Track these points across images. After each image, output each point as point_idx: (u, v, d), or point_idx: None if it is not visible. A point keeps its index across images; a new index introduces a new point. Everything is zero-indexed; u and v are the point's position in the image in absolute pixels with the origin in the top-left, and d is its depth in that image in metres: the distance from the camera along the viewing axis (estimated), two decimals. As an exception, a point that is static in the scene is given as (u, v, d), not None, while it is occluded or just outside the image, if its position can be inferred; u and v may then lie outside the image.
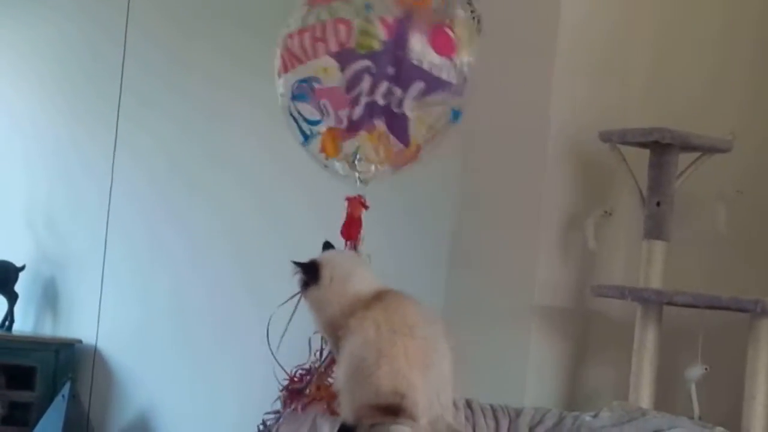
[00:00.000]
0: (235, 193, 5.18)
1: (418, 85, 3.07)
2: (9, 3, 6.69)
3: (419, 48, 3.07)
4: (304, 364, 3.27)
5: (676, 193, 3.48)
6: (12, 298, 6.14)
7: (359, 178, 3.20)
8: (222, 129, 5.25)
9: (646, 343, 3.39)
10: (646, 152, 3.50)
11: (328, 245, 2.75)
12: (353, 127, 3.13)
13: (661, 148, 3.44)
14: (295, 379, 3.21)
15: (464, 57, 3.13)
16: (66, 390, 5.59)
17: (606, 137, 3.53)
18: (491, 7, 3.65)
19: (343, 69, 3.07)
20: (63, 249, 6.20)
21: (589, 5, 3.73)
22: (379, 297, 2.48)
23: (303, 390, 3.18)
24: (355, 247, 3.22)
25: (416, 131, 3.12)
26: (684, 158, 3.51)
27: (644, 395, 3.37)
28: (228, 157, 5.22)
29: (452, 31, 3.12)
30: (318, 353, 3.22)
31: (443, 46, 3.11)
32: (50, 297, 6.23)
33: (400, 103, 3.08)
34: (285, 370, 3.23)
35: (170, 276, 5.50)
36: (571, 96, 3.69)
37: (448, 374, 2.46)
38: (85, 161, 6.10)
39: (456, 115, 3.19)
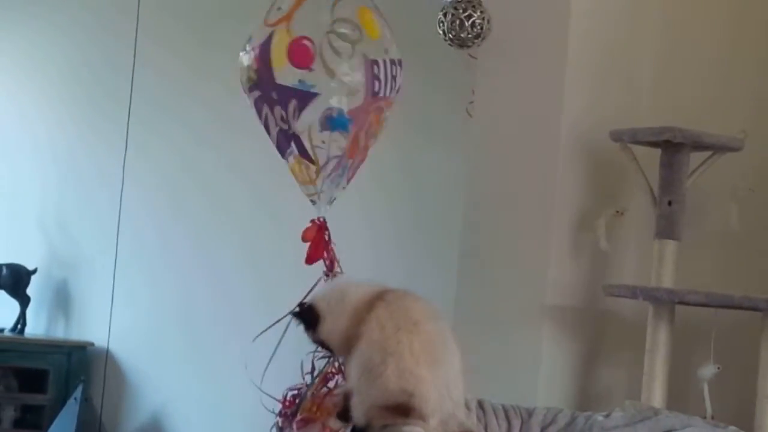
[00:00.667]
0: (246, 197, 5.19)
1: (292, 103, 3.11)
2: (20, 10, 6.71)
3: (282, 67, 3.12)
4: (296, 385, 3.27)
5: (687, 192, 3.47)
6: (24, 301, 6.15)
7: (312, 200, 3.27)
8: (233, 133, 5.25)
9: (659, 342, 3.38)
10: (658, 151, 3.49)
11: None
12: (283, 154, 3.23)
13: (672, 147, 3.44)
14: (287, 402, 3.20)
15: (343, 63, 3.16)
16: (78, 393, 5.60)
17: (617, 137, 3.52)
18: (502, 8, 3.65)
19: (253, 105, 3.18)
20: (74, 252, 6.22)
21: (600, 4, 3.72)
22: (380, 296, 2.48)
23: (296, 412, 3.17)
24: (331, 269, 3.23)
25: (311, 147, 3.17)
26: (695, 157, 3.50)
27: (656, 395, 3.37)
28: (238, 161, 5.23)
29: (311, 42, 3.15)
30: (309, 374, 3.22)
31: (301, 59, 3.15)
32: (62, 300, 6.25)
33: (290, 124, 3.13)
34: (274, 397, 3.23)
35: (181, 279, 5.50)
36: (582, 95, 3.68)
37: (458, 370, 2.45)
38: (97, 165, 6.11)
39: (339, 122, 3.22)
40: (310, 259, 3.27)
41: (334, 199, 3.30)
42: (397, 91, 3.29)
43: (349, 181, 3.31)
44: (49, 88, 6.53)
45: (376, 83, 3.19)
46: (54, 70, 6.50)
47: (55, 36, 6.52)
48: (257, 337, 3.28)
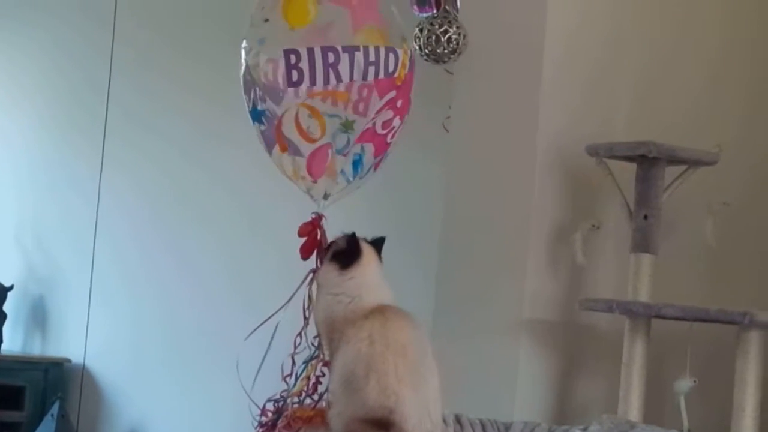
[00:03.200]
0: (226, 208, 5.19)
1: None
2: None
3: None
4: (274, 395, 3.26)
5: (663, 206, 3.49)
6: (0, 317, 6.12)
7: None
8: (210, 144, 5.25)
9: (635, 356, 3.39)
10: (633, 166, 3.51)
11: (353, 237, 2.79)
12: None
13: (648, 161, 3.45)
14: (268, 413, 3.19)
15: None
16: (55, 409, 5.58)
17: (593, 151, 3.53)
18: (479, 21, 3.67)
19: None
20: (51, 268, 6.19)
21: (577, 20, 3.74)
22: (380, 310, 2.49)
23: (276, 422, 3.16)
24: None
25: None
26: (671, 171, 3.52)
27: (633, 408, 3.37)
28: (217, 171, 5.22)
29: None
30: (288, 376, 3.21)
31: None
32: (39, 316, 6.22)
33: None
34: (257, 405, 3.22)
35: (160, 294, 5.49)
36: (559, 110, 3.70)
37: (437, 390, 2.46)
38: (73, 180, 6.09)
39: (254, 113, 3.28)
40: (304, 253, 3.28)
41: (328, 195, 3.29)
42: (346, 79, 3.24)
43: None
44: (26, 103, 6.50)
45: (294, 73, 3.19)
46: (30, 84, 6.48)
47: (31, 50, 6.50)
48: (248, 336, 3.27)
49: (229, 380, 4.92)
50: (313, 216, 3.29)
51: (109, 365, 5.77)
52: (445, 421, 2.74)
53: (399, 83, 3.20)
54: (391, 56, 3.19)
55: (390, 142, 3.25)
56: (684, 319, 3.28)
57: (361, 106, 3.17)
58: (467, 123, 3.82)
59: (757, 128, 3.69)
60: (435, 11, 3.70)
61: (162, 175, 5.55)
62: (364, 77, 3.17)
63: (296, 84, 3.15)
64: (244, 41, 3.22)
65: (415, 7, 3.73)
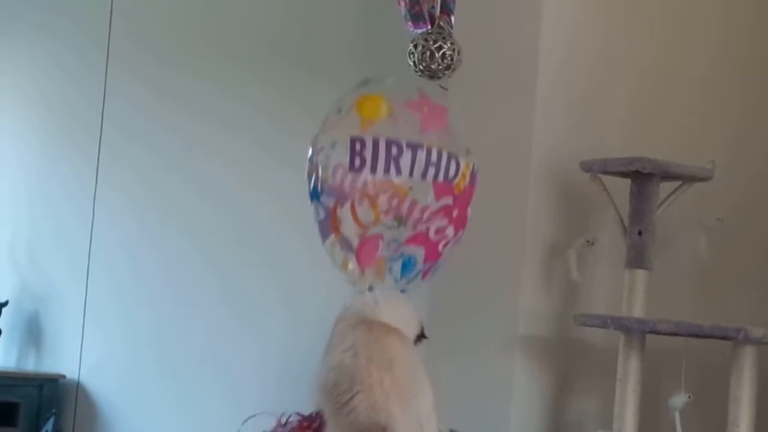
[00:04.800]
0: (219, 225, 5.18)
1: None
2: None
3: None
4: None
5: (657, 222, 3.50)
6: (-5, 333, 6.12)
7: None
8: (204, 161, 5.25)
9: (630, 371, 3.39)
10: (628, 181, 3.51)
11: None
12: None
13: (642, 177, 3.46)
14: None
15: None
16: (50, 426, 5.56)
17: (587, 167, 3.54)
18: (473, 38, 3.68)
19: None
20: (46, 284, 6.19)
21: (571, 36, 3.75)
22: (369, 322, 2.49)
23: None
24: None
25: None
26: (665, 187, 3.52)
27: (628, 424, 3.38)
28: (210, 189, 5.22)
29: None
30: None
31: None
32: (33, 332, 6.21)
33: None
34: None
35: (154, 310, 5.48)
36: (553, 126, 3.71)
37: (431, 405, 2.46)
38: (68, 196, 6.09)
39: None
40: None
41: (372, 288, 3.33)
42: (405, 174, 3.29)
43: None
44: (21, 119, 6.51)
45: (357, 160, 3.25)
46: (26, 101, 6.48)
47: (26, 66, 6.50)
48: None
49: (223, 396, 4.93)
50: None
51: (104, 381, 5.76)
52: (440, 437, 2.74)
53: (457, 192, 3.25)
54: (453, 163, 3.25)
55: (441, 252, 3.28)
56: (678, 334, 3.28)
57: (416, 207, 3.22)
58: (462, 138, 3.82)
59: (750, 144, 3.70)
60: (429, 27, 3.70)
61: (156, 192, 5.55)
62: (424, 176, 3.23)
63: (357, 170, 3.21)
64: (316, 138, 3.28)
65: (410, 23, 3.74)
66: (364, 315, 2.61)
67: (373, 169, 3.23)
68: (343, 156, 3.21)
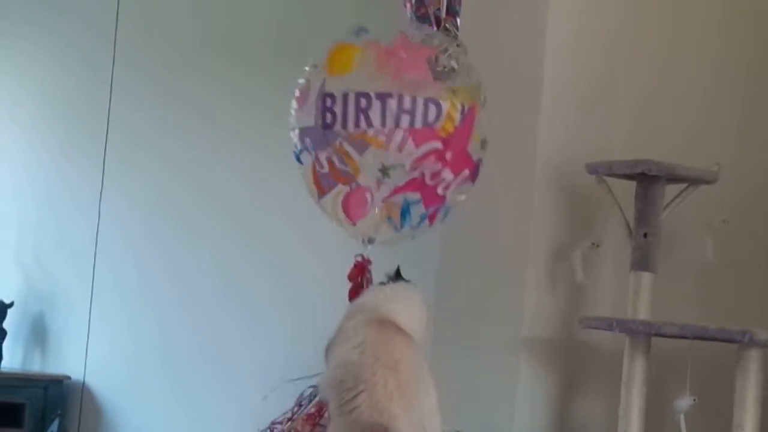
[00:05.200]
0: (224, 227, 5.19)
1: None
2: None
3: None
4: (278, 418, 3.28)
5: (663, 224, 3.49)
6: (0, 335, 6.12)
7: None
8: (210, 165, 5.26)
9: (635, 374, 3.39)
10: (633, 184, 3.51)
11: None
12: None
13: (647, 179, 3.46)
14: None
15: None
16: (55, 427, 5.57)
17: (592, 169, 3.54)
18: (477, 40, 3.68)
19: None
20: (51, 285, 6.19)
21: (576, 38, 3.75)
22: (382, 321, 2.50)
23: None
24: None
25: None
26: (670, 190, 3.52)
27: (633, 427, 3.37)
28: (215, 191, 5.23)
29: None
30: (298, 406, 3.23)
31: None
32: (39, 333, 6.22)
33: None
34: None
35: (159, 311, 5.49)
36: (558, 129, 3.71)
37: (435, 406, 2.46)
38: (74, 198, 6.10)
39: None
40: (351, 297, 3.32)
41: (372, 239, 3.33)
42: (372, 124, 3.28)
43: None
44: (27, 122, 6.51)
45: (328, 115, 3.24)
46: (32, 104, 6.49)
47: (31, 69, 6.51)
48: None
49: (229, 397, 4.93)
50: (358, 260, 3.32)
51: (109, 382, 5.76)
52: (444, 438, 2.74)
53: (445, 135, 3.22)
54: (432, 107, 3.21)
55: (444, 195, 3.27)
56: (684, 337, 3.28)
57: (396, 154, 3.21)
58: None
59: (756, 146, 3.70)
60: (435, 29, 3.70)
61: (161, 195, 5.55)
62: (397, 124, 3.20)
63: (329, 126, 3.21)
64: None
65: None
66: (378, 311, 2.60)
67: (344, 124, 3.23)
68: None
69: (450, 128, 3.23)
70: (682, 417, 3.33)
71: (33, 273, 6.29)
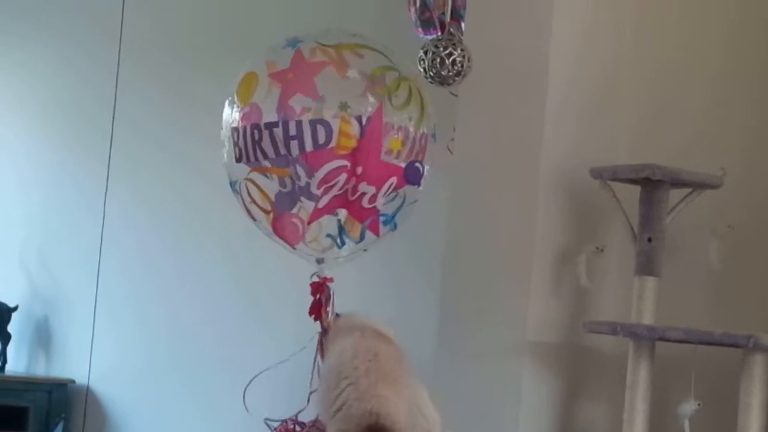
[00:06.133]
0: (234, 224, 5.17)
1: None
2: (1, 38, 6.70)
3: None
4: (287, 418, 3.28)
5: (667, 229, 3.49)
6: (5, 338, 6.13)
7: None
8: (216, 160, 5.24)
9: (639, 379, 3.39)
10: (637, 188, 3.51)
11: None
12: None
13: (651, 184, 3.46)
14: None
15: None
16: (59, 431, 5.57)
17: (597, 174, 3.54)
18: (483, 44, 3.68)
19: None
20: (56, 289, 6.19)
21: (581, 43, 3.75)
22: (363, 329, 2.50)
23: None
24: (325, 332, 3.26)
25: None
26: (675, 194, 3.52)
27: (637, 431, 3.37)
28: (223, 188, 5.21)
29: None
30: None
31: None
32: (43, 337, 6.22)
33: None
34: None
35: (167, 312, 5.48)
36: (562, 133, 3.70)
37: (427, 399, 2.46)
38: (79, 197, 6.10)
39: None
40: (311, 313, 3.32)
41: (321, 259, 3.33)
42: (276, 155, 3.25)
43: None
44: (32, 120, 6.51)
45: (237, 149, 3.26)
46: (37, 101, 6.49)
47: (37, 65, 6.51)
48: (255, 377, 3.29)
49: (239, 401, 4.93)
50: (314, 279, 3.32)
51: (114, 386, 5.76)
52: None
53: (344, 152, 3.17)
54: (320, 128, 3.16)
55: (373, 207, 3.24)
56: (688, 342, 3.28)
57: (303, 180, 3.20)
58: (471, 145, 3.82)
59: (761, 151, 3.70)
60: (440, 34, 3.70)
61: (168, 191, 5.54)
62: (289, 151, 3.16)
63: (239, 160, 3.22)
64: None
65: (420, 29, 3.74)
66: (360, 322, 2.61)
67: (247, 158, 3.22)
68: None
69: (350, 143, 3.18)
70: (686, 422, 3.33)
71: (37, 276, 6.29)
